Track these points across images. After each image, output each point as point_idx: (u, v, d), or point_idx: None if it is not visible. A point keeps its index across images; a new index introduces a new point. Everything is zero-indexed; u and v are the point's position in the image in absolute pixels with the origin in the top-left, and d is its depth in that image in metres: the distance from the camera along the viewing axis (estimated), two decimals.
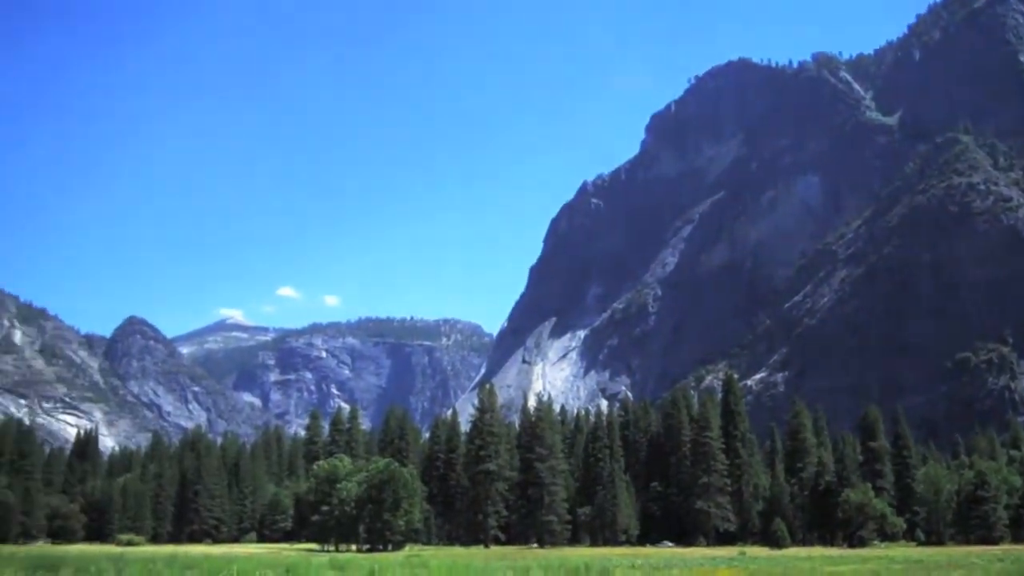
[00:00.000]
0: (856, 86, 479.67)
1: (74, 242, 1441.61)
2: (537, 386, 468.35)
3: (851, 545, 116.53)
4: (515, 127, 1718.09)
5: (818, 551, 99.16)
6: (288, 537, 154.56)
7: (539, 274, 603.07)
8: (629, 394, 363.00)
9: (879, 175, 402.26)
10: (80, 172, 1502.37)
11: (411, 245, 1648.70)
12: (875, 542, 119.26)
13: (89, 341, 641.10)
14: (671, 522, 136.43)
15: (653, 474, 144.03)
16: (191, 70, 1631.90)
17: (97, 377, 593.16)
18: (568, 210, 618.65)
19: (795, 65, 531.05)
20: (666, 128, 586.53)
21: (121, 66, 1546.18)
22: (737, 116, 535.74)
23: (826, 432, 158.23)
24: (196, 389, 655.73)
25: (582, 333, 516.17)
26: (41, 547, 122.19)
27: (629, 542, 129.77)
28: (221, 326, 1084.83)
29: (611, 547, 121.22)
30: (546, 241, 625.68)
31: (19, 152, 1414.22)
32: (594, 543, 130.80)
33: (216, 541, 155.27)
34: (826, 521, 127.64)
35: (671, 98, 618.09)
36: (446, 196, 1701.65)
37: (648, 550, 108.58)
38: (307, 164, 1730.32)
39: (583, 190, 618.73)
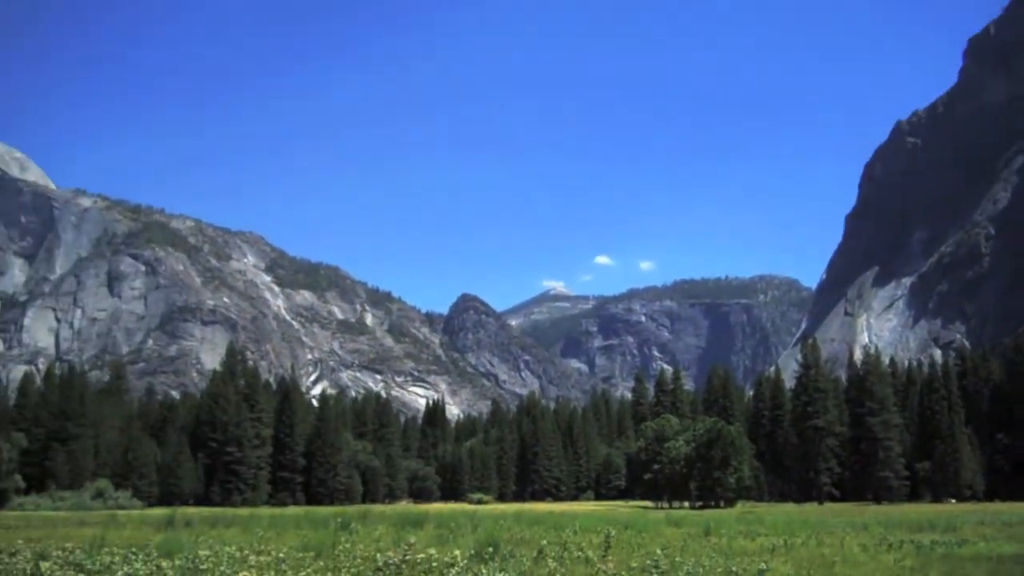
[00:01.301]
0: None
1: (409, 230, 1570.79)
2: (862, 338, 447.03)
3: None
4: (816, 70, 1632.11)
5: None
6: (622, 495, 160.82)
7: (856, 222, 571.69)
8: (965, 342, 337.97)
9: None
10: (419, 169, 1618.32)
11: (720, 204, 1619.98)
12: None
13: (430, 319, 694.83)
14: (1021, 477, 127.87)
15: (998, 426, 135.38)
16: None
17: (439, 351, 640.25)
18: (882, 152, 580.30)
19: None
20: (987, 51, 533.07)
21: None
22: None
23: None
24: (527, 358, 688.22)
25: (908, 280, 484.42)
26: (405, 506, 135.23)
27: (975, 498, 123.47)
28: (545, 297, 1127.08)
29: (956, 503, 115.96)
30: (861, 187, 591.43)
31: (363, 159, 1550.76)
32: (936, 499, 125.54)
33: (556, 499, 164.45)
34: None
35: (988, 18, 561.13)
36: (751, 150, 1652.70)
37: (998, 506, 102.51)
38: (610, 135, 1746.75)
39: (897, 129, 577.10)
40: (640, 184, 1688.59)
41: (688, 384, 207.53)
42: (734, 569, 22.56)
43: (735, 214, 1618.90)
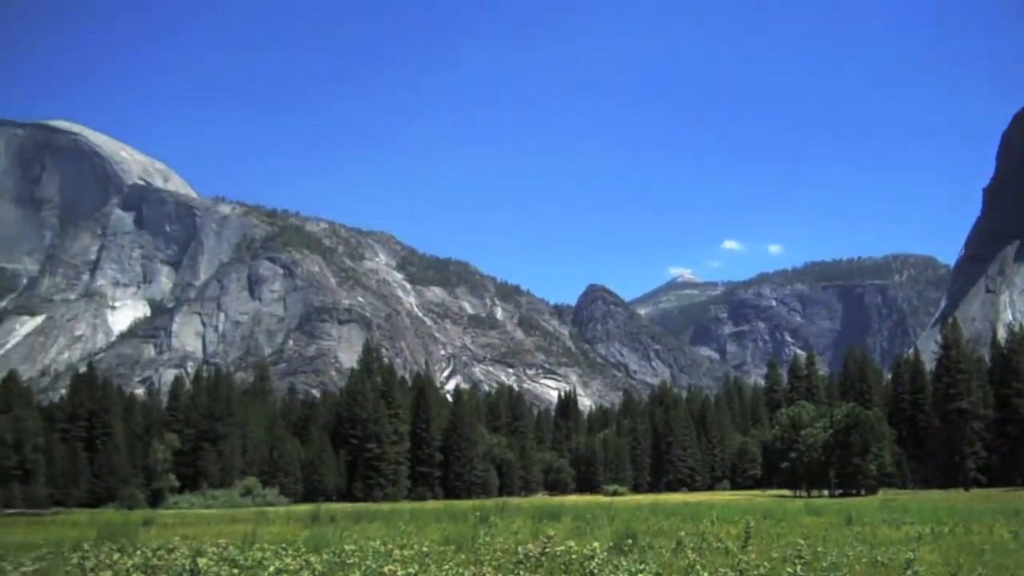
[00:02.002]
0: None
1: (535, 223, 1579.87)
2: (1005, 316, 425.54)
3: None
4: (949, 33, 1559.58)
5: None
6: (758, 484, 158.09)
7: (994, 194, 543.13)
8: None
9: None
10: (551, 167, 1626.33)
11: (849, 182, 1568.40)
12: None
13: (558, 311, 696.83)
14: None
15: None
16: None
17: (569, 343, 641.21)
18: (1020, 119, 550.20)
19: None
20: None
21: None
22: None
23: None
24: (657, 347, 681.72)
25: None
26: (541, 498, 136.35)
27: None
28: (672, 285, 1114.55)
29: None
30: (998, 157, 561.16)
31: (479, 153, 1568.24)
32: None
33: (691, 489, 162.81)
34: None
35: None
36: (879, 124, 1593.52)
37: None
38: (732, 117, 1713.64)
39: None
40: (766, 166, 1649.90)
41: (823, 369, 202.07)
42: (879, 558, 22.08)
43: (865, 191, 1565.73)
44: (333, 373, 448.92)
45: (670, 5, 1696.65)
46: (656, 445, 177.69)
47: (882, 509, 54.38)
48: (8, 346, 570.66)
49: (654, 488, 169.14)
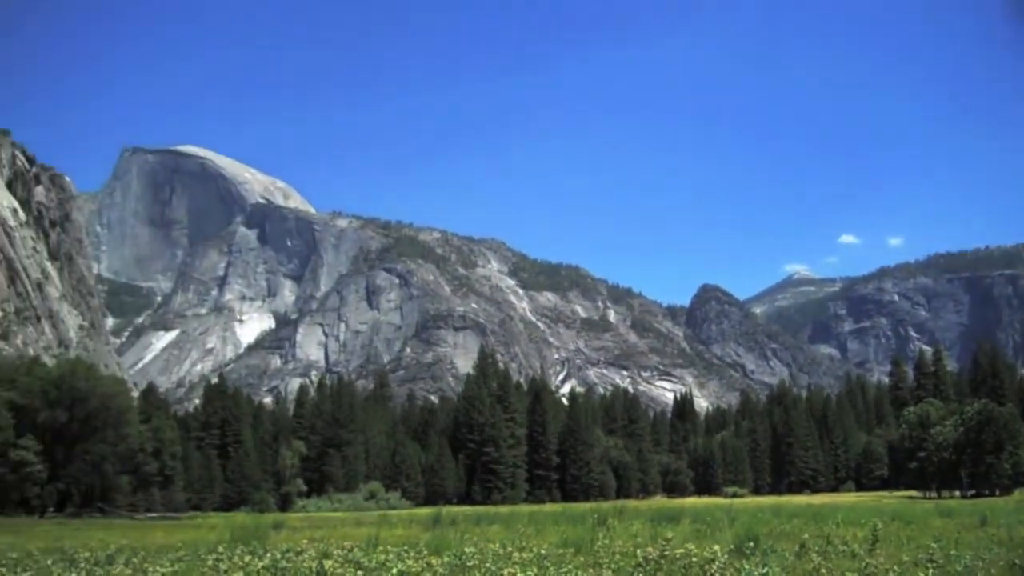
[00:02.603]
0: None
1: (645, 224, 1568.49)
2: None
3: None
4: None
5: None
6: (885, 485, 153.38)
7: None
8: None
9: None
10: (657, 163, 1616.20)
11: (971, 168, 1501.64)
12: None
13: (671, 312, 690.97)
14: None
15: None
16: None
17: (683, 344, 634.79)
18: None
19: None
20: None
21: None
22: None
23: None
24: (774, 346, 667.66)
25: None
26: (660, 501, 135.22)
27: None
28: (789, 282, 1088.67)
29: None
30: None
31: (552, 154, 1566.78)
32: None
33: (814, 491, 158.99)
34: None
35: None
36: (1004, 103, 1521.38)
37: None
38: (845, 108, 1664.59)
39: None
40: (882, 156, 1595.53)
41: (951, 365, 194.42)
42: (1017, 562, 21.35)
43: (989, 177, 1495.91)
44: (450, 379, 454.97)
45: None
46: (776, 446, 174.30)
47: (1019, 510, 52.26)
48: (146, 359, 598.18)
49: (775, 490, 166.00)
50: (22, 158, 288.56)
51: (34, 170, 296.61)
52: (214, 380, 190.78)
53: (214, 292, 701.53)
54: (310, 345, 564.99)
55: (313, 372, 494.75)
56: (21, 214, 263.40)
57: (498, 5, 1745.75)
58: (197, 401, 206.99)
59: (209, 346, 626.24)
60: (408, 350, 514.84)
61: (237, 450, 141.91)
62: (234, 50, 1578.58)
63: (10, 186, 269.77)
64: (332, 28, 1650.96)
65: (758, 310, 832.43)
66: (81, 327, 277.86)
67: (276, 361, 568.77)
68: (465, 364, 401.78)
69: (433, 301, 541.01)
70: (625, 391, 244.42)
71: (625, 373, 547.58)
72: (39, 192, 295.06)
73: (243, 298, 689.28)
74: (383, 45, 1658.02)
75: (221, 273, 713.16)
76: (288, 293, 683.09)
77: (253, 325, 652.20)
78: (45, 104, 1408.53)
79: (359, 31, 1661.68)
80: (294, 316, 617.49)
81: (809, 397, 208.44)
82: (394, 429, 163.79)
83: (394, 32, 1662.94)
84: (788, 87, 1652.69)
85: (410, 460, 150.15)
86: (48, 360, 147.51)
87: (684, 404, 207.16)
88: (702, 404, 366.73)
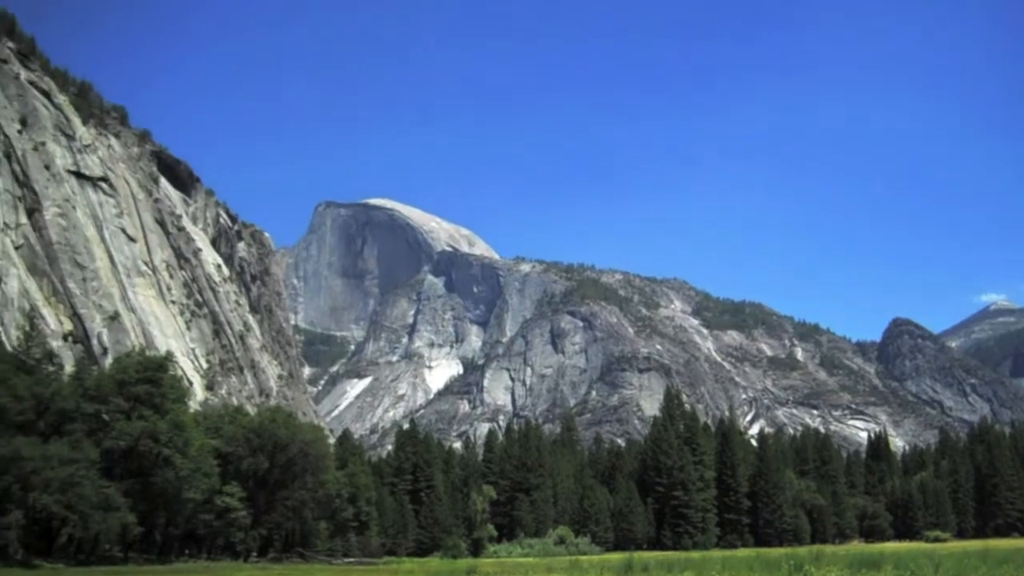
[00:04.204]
0: None
1: (830, 258, 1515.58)
2: None
3: None
4: None
5: None
6: None
7: None
8: None
9: None
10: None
11: None
12: None
13: (861, 348, 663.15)
14: None
15: None
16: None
17: (875, 381, 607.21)
18: None
19: None
20: None
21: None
22: None
23: None
24: (973, 381, 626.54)
25: None
26: (857, 545, 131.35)
27: None
28: (986, 313, 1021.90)
29: None
30: None
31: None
32: None
33: (1023, 534, 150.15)
34: None
35: None
36: None
37: None
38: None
39: None
40: None
41: None
42: None
43: None
44: (636, 421, 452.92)
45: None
46: (980, 487, 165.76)
47: None
48: (341, 407, 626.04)
49: (980, 534, 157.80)
50: (225, 216, 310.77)
51: (236, 227, 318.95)
52: (405, 426, 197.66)
53: (404, 340, 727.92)
54: (497, 390, 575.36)
55: (501, 417, 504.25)
56: (225, 269, 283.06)
57: (675, 47, 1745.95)
58: (389, 447, 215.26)
59: (400, 392, 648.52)
60: (593, 393, 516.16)
61: (429, 495, 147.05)
62: (415, 111, 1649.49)
63: (215, 243, 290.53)
64: (507, 80, 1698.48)
65: (954, 343, 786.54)
66: (280, 376, 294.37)
67: (465, 406, 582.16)
68: (651, 406, 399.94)
69: (617, 343, 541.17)
70: (816, 431, 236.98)
71: (815, 412, 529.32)
72: (241, 248, 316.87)
73: (432, 345, 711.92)
74: (560, 91, 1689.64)
75: (410, 321, 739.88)
76: (475, 339, 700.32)
77: (442, 371, 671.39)
78: (245, 164, 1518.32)
79: (535, 79, 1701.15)
80: (481, 361, 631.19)
81: (1013, 434, 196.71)
82: (582, 473, 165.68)
83: (572, 77, 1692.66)
84: (976, 103, 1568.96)
85: (598, 504, 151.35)
86: (250, 408, 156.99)
87: (879, 444, 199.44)
88: (898, 443, 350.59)
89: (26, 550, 69.40)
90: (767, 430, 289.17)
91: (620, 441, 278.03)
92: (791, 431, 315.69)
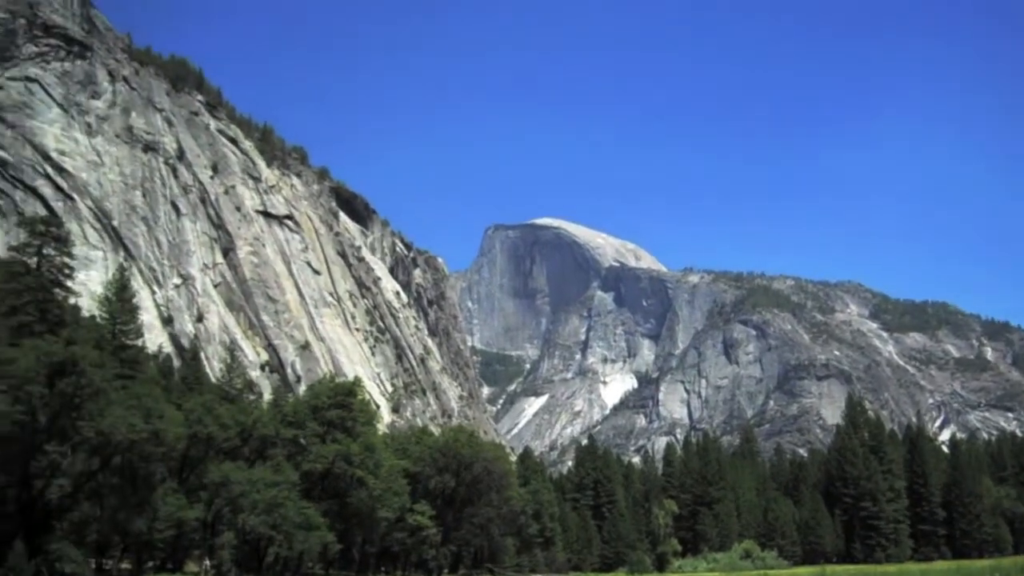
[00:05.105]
0: None
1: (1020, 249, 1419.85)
2: None
3: None
4: None
5: None
6: None
7: None
8: None
9: None
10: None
11: None
12: None
13: None
14: None
15: None
16: None
17: None
18: None
19: None
20: None
21: None
22: None
23: None
24: None
25: None
26: None
27: None
28: None
29: None
30: None
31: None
32: None
33: None
34: None
35: None
36: None
37: None
38: None
39: None
40: None
41: None
42: None
43: None
44: (817, 430, 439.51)
45: None
46: None
47: None
48: (520, 425, 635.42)
49: None
50: (400, 245, 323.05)
51: (412, 255, 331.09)
52: (584, 442, 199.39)
53: (577, 356, 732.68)
54: (672, 403, 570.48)
55: (678, 430, 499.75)
56: (403, 296, 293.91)
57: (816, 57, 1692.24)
58: (569, 463, 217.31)
59: (577, 409, 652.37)
60: (771, 403, 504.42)
61: (611, 510, 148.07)
62: (576, 129, 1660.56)
63: (392, 271, 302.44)
64: (668, 94, 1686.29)
65: None
66: (461, 397, 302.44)
67: (641, 420, 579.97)
68: (832, 414, 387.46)
69: (793, 351, 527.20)
70: (1013, 435, 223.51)
71: (1011, 415, 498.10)
72: (417, 275, 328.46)
73: (605, 360, 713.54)
74: (716, 98, 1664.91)
75: (583, 337, 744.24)
76: (647, 352, 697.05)
77: (616, 386, 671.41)
78: (417, 193, 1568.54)
79: (691, 88, 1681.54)
80: (655, 375, 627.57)
81: None
82: (764, 485, 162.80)
83: (727, 83, 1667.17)
84: None
85: (783, 517, 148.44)
86: (434, 429, 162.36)
87: None
88: None
89: (238, 568, 74.86)
90: (959, 436, 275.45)
91: (802, 451, 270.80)
92: (985, 436, 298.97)
